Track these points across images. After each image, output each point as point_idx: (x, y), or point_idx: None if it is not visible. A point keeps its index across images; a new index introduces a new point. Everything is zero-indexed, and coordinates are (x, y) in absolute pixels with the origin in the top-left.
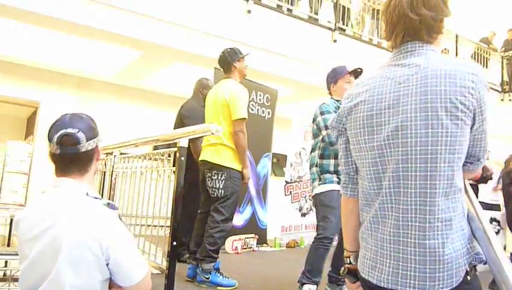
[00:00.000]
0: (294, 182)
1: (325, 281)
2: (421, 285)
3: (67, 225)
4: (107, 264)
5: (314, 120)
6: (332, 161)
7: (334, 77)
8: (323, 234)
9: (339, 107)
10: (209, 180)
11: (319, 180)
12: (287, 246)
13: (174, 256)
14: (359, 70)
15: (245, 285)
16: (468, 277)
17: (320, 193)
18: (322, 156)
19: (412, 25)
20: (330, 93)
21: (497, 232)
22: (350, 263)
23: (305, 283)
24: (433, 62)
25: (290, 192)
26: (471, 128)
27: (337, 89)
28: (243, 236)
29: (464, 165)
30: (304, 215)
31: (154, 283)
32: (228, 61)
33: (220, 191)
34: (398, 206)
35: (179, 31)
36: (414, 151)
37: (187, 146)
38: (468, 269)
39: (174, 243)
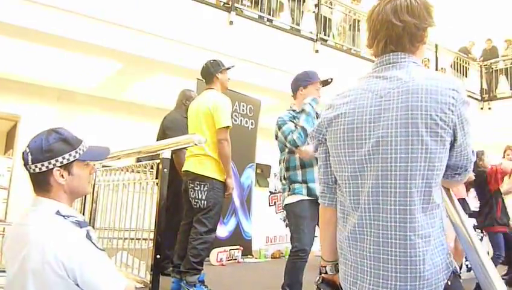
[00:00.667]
0: (278, 192)
1: None
2: None
3: (33, 247)
4: (78, 285)
5: (276, 137)
6: (299, 171)
7: (306, 80)
8: (298, 247)
9: (294, 117)
10: (191, 191)
11: (289, 191)
12: (272, 257)
13: (157, 269)
14: (329, 80)
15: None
16: (449, 282)
17: (291, 203)
18: (287, 169)
19: (394, 31)
20: (294, 97)
21: (481, 239)
22: (326, 273)
23: None
24: (414, 76)
25: (275, 202)
26: (454, 144)
27: (305, 93)
28: (227, 248)
29: (452, 176)
30: (288, 225)
31: None
32: (211, 72)
33: (202, 202)
34: (377, 223)
35: (161, 42)
36: (394, 167)
37: (170, 158)
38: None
39: (158, 256)
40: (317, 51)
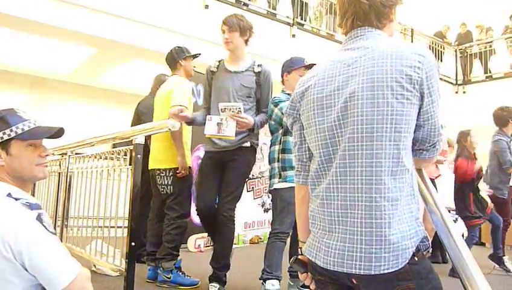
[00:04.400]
0: (256, 178)
1: (287, 277)
2: (366, 266)
3: None
4: (27, 269)
5: (270, 116)
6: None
7: (290, 67)
8: (278, 229)
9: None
10: (158, 177)
11: (279, 177)
12: (250, 242)
13: (132, 257)
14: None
15: (208, 284)
16: (416, 258)
17: (282, 188)
18: (283, 151)
19: (361, 8)
20: (283, 82)
21: (455, 221)
22: (301, 254)
23: (267, 279)
24: (381, 44)
25: (252, 188)
26: (420, 110)
27: (290, 79)
28: (205, 234)
29: (420, 153)
30: (266, 210)
31: (113, 286)
32: (174, 58)
33: (168, 187)
34: (345, 186)
35: (136, 27)
36: (360, 129)
37: (144, 143)
38: (415, 251)
39: (133, 243)
40: (293, 36)
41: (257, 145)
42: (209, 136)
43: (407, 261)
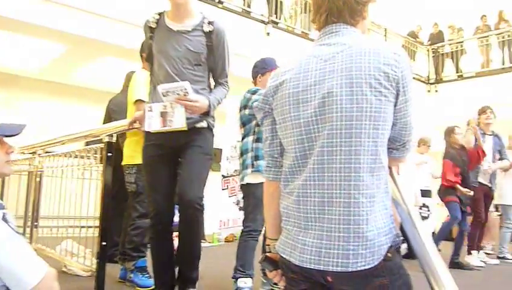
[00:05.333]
0: (230, 176)
1: (260, 274)
2: (344, 263)
3: None
4: None
5: (245, 107)
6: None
7: (263, 68)
8: (251, 227)
9: None
10: (125, 175)
11: (252, 167)
12: (225, 241)
13: (104, 257)
14: None
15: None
16: (389, 254)
17: (253, 183)
18: (258, 140)
19: (335, 4)
20: (255, 84)
21: (427, 217)
22: (270, 252)
23: (239, 277)
24: (357, 41)
25: (227, 186)
26: (395, 108)
27: (263, 80)
28: None
29: (390, 152)
30: (241, 208)
31: (84, 286)
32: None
33: (132, 185)
34: (322, 182)
35: (107, 24)
36: (339, 125)
37: (115, 141)
38: (389, 248)
39: (104, 243)
40: (268, 34)
41: (213, 125)
42: (153, 131)
43: (382, 257)
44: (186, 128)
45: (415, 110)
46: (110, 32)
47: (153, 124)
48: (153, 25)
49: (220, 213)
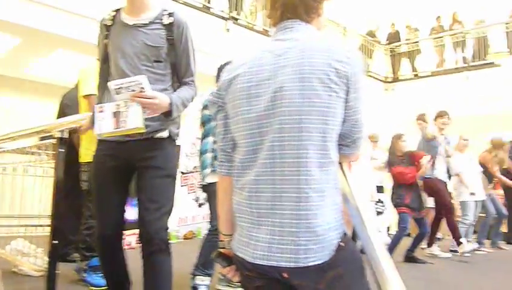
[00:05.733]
0: (189, 172)
1: (218, 271)
2: (294, 258)
3: None
4: None
5: (206, 106)
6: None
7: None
8: (217, 226)
9: None
10: (80, 172)
11: (212, 167)
12: (184, 238)
13: (55, 256)
14: None
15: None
16: (342, 243)
17: (215, 182)
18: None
19: (290, 0)
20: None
21: (382, 212)
22: (224, 247)
23: (197, 275)
24: (311, 37)
25: (186, 183)
26: (346, 104)
27: None
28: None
29: (340, 148)
30: (200, 205)
31: (35, 287)
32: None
33: (85, 183)
34: (273, 178)
35: (62, 16)
36: (289, 120)
37: (67, 137)
38: (340, 239)
39: (56, 241)
40: (228, 30)
41: (178, 135)
42: (106, 135)
43: (332, 252)
44: (143, 130)
45: (373, 108)
46: (65, 25)
47: (104, 126)
48: (109, 23)
49: (179, 210)
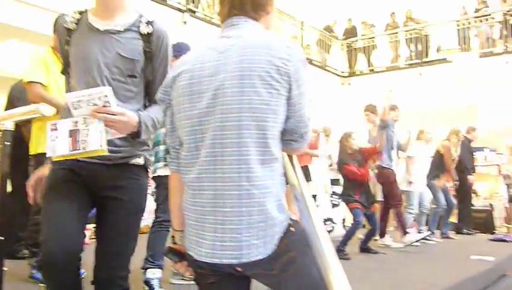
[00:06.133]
0: None
1: (171, 265)
2: (237, 255)
3: None
4: None
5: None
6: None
7: (177, 51)
8: (162, 217)
9: None
10: (30, 167)
11: (164, 161)
12: (140, 233)
13: (1, 253)
14: None
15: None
16: (292, 229)
17: (166, 175)
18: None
19: None
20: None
21: (337, 205)
22: (175, 243)
23: (148, 268)
24: (253, 34)
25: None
26: (289, 101)
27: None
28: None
29: (288, 143)
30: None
31: None
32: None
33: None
34: (214, 176)
35: (12, 5)
36: (229, 118)
37: (13, 130)
38: (288, 226)
39: (2, 238)
40: (185, 22)
41: (151, 163)
42: (59, 158)
43: (275, 247)
44: (106, 153)
45: (330, 102)
46: (15, 14)
47: (58, 148)
48: (72, 26)
49: None
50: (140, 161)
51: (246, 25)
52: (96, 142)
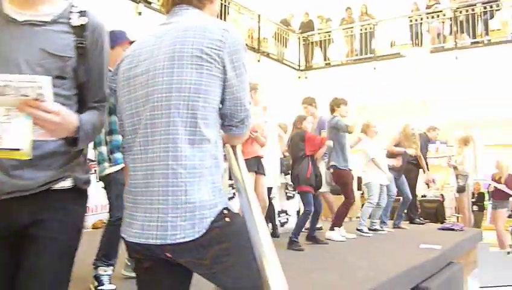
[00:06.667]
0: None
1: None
2: (162, 235)
3: None
4: None
5: None
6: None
7: (113, 41)
8: (119, 215)
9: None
10: None
11: (110, 162)
12: (92, 227)
13: None
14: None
15: None
16: (227, 219)
17: (115, 171)
18: (110, 132)
19: None
20: None
21: (292, 197)
22: None
23: (99, 266)
24: (191, 19)
25: (95, 170)
26: (225, 84)
27: (113, 54)
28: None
29: (229, 129)
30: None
31: None
32: None
33: None
34: (146, 156)
35: None
36: (160, 98)
37: None
38: (222, 216)
39: None
40: (140, 13)
41: (87, 182)
42: None
43: (204, 230)
44: (28, 157)
45: (286, 95)
46: None
47: None
48: None
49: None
50: (67, 183)
51: (186, 12)
52: (15, 139)
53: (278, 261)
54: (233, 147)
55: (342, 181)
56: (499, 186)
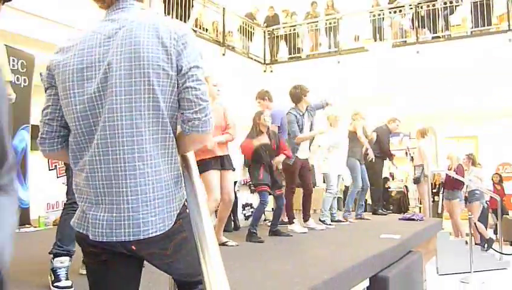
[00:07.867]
0: None
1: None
2: (135, 231)
3: None
4: None
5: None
6: None
7: None
8: (73, 199)
9: None
10: None
11: None
12: (53, 224)
13: None
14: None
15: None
16: (187, 210)
17: None
18: None
19: None
20: None
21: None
22: None
23: (57, 254)
24: (140, 17)
25: (55, 166)
26: (179, 81)
27: None
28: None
29: (189, 129)
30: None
31: None
32: None
33: None
34: (107, 157)
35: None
36: (120, 100)
37: None
38: (182, 208)
39: None
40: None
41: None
42: None
43: (172, 223)
44: None
45: (251, 88)
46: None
47: None
48: None
49: (47, 196)
50: None
51: (131, 8)
52: None
53: (218, 249)
54: (184, 155)
55: (287, 169)
56: (451, 173)
